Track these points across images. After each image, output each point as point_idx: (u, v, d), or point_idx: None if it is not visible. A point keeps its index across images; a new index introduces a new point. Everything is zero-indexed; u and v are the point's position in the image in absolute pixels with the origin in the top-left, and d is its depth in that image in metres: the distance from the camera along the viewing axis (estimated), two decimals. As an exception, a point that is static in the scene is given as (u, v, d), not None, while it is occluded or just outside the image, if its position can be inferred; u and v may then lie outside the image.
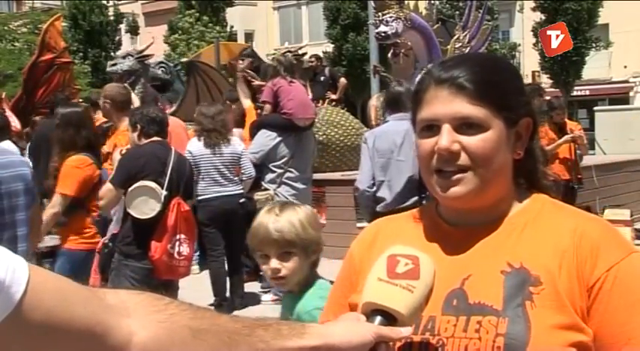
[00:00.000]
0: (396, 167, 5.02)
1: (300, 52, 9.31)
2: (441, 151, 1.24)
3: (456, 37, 8.75)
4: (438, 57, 7.60)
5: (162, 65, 10.42)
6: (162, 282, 4.32)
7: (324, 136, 8.58)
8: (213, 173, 6.42)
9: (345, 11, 29.95)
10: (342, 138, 8.79)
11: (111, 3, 34.54)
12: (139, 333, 0.99)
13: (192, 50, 25.39)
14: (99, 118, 7.44)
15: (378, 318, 1.14)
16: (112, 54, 27.93)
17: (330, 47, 30.91)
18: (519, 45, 32.55)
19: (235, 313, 5.43)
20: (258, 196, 6.39)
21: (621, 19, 31.09)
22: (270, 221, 2.17)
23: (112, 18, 34.05)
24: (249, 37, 38.06)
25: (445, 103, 1.25)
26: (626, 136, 12.68)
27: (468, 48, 8.71)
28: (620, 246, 1.23)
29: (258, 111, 7.39)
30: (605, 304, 1.18)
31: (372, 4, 10.31)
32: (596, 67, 31.14)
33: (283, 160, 6.54)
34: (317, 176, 7.64)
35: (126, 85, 7.45)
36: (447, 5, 25.50)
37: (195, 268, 6.90)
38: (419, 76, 1.42)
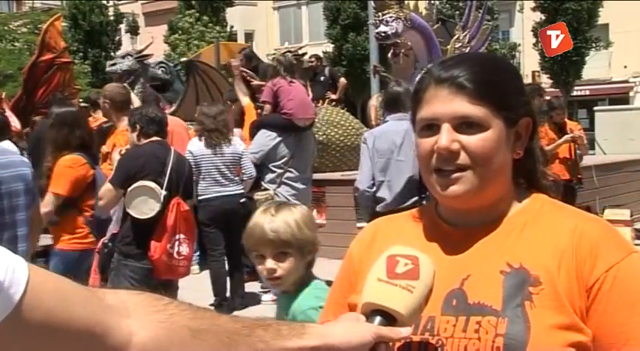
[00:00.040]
0: (396, 167, 5.02)
1: (300, 52, 9.31)
2: (441, 150, 1.24)
3: (456, 37, 8.75)
4: (438, 57, 7.59)
5: (163, 65, 10.43)
6: (161, 282, 4.32)
7: (324, 136, 8.58)
8: (214, 173, 6.42)
9: (345, 11, 29.95)
10: (342, 138, 8.79)
11: (111, 3, 34.54)
12: (139, 333, 0.99)
13: (192, 50, 25.39)
14: (99, 117, 7.45)
15: (378, 318, 1.14)
16: (112, 54, 27.94)
17: (330, 47, 30.91)
18: (519, 45, 32.55)
19: (235, 313, 5.43)
20: (259, 196, 6.40)
21: (621, 19, 31.09)
22: (266, 221, 2.17)
23: (112, 18, 34.05)
24: (249, 37, 38.06)
25: (445, 103, 1.25)
26: (626, 136, 12.69)
27: (468, 48, 8.70)
28: (620, 246, 1.23)
29: (258, 111, 7.39)
30: (605, 305, 1.18)
31: (372, 4, 10.32)
32: (596, 67, 31.14)
33: (283, 160, 6.54)
34: (317, 176, 7.64)
35: (125, 85, 7.45)
36: (447, 5, 25.50)
37: (195, 268, 6.90)
38: (419, 76, 1.41)
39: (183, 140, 6.80)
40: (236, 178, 6.52)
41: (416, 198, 4.86)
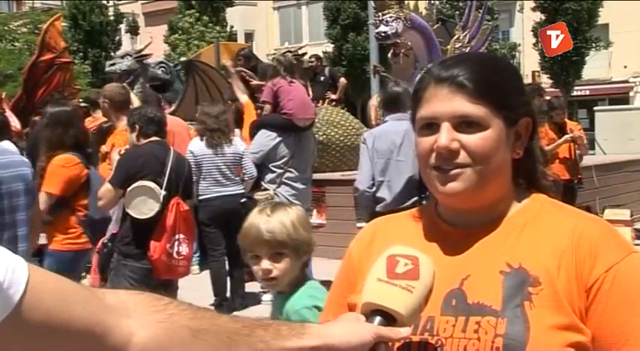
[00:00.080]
0: (396, 167, 5.02)
1: (300, 52, 9.30)
2: (440, 149, 1.24)
3: (456, 37, 8.75)
4: (438, 57, 7.59)
5: (163, 65, 10.42)
6: (161, 282, 4.32)
7: (324, 136, 8.58)
8: (214, 173, 6.43)
9: (345, 11, 29.95)
10: (342, 138, 8.79)
11: (111, 3, 34.54)
12: (139, 333, 0.99)
13: (192, 50, 25.39)
14: (99, 117, 7.45)
15: (378, 318, 1.14)
16: (112, 54, 27.92)
17: (330, 47, 30.91)
18: (519, 45, 32.54)
19: (235, 313, 5.43)
20: (259, 196, 6.39)
21: (621, 19, 31.09)
22: (262, 222, 2.17)
23: (112, 18, 34.06)
24: (249, 37, 38.05)
25: (445, 102, 1.25)
26: (626, 136, 12.69)
27: (468, 48, 8.70)
28: (619, 246, 1.23)
29: (258, 111, 7.39)
30: (604, 305, 1.18)
31: (372, 4, 10.32)
32: (596, 67, 31.14)
33: (283, 160, 6.54)
34: (317, 176, 7.64)
35: (125, 84, 7.45)
36: (447, 5, 25.50)
37: (195, 268, 6.90)
38: (419, 76, 1.41)
39: (184, 140, 6.80)
40: (237, 178, 6.52)
41: (416, 198, 4.86)
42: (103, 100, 6.11)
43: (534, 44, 27.04)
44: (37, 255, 4.70)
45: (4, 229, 3.29)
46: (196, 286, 6.14)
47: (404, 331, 1.14)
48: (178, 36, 29.57)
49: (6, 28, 27.51)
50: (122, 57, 9.24)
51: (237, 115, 7.66)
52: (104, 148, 6.00)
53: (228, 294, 6.43)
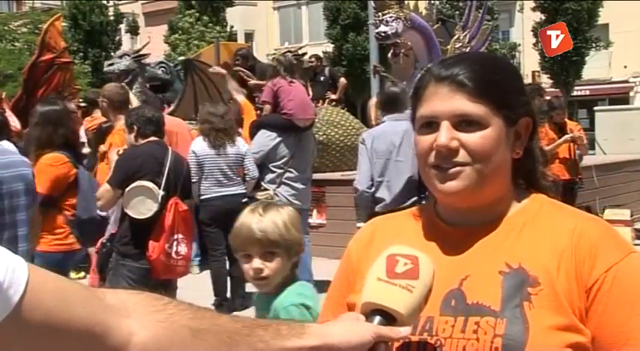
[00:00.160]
0: (395, 168, 5.02)
1: (300, 52, 9.30)
2: (440, 147, 1.24)
3: (456, 37, 8.74)
4: (438, 57, 7.59)
5: (163, 65, 10.42)
6: (160, 282, 4.32)
7: (324, 136, 8.58)
8: (216, 173, 6.43)
9: (345, 11, 29.95)
10: (342, 138, 8.79)
11: (111, 3, 34.53)
12: (139, 333, 0.99)
13: (192, 50, 25.38)
14: (98, 117, 7.45)
15: (377, 318, 1.13)
16: (112, 54, 27.92)
17: (330, 47, 30.91)
18: (519, 45, 32.54)
19: (235, 313, 5.43)
20: (259, 196, 6.39)
21: (621, 19, 31.09)
22: (254, 221, 2.17)
23: (112, 18, 34.04)
24: (249, 37, 38.05)
25: (445, 100, 1.25)
26: (626, 136, 12.69)
27: (468, 48, 8.69)
28: (619, 246, 1.23)
29: (258, 111, 7.39)
30: (604, 305, 1.18)
31: (372, 4, 10.30)
32: (596, 67, 31.14)
33: (283, 161, 6.53)
34: (317, 176, 7.63)
35: (123, 84, 7.45)
36: (447, 5, 25.50)
37: (195, 268, 6.90)
38: (419, 76, 1.42)
39: (186, 141, 6.80)
40: (238, 179, 6.52)
41: (415, 198, 4.86)
42: (101, 99, 6.11)
43: (534, 44, 27.04)
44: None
45: (4, 229, 3.29)
46: (196, 286, 6.14)
47: (404, 331, 1.13)
48: (178, 36, 29.56)
49: (6, 28, 27.52)
50: (120, 57, 9.23)
51: (237, 116, 7.66)
52: (102, 148, 6.00)
53: (228, 294, 6.43)
